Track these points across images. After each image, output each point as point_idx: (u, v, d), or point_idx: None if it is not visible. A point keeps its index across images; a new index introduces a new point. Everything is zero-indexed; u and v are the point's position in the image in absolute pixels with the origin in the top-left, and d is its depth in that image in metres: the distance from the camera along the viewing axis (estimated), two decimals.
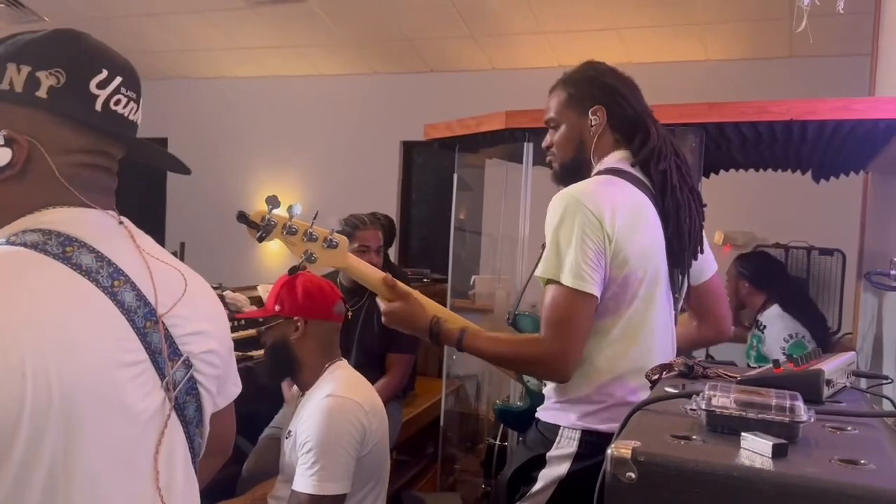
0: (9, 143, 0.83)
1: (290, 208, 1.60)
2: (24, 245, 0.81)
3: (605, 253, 1.49)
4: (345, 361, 2.05)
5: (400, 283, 1.73)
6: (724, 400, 0.84)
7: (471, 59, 5.89)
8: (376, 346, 3.01)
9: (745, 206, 4.82)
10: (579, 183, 1.58)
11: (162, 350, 0.87)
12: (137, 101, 0.93)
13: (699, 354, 3.26)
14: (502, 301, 4.12)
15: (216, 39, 6.13)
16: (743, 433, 0.79)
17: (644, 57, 5.33)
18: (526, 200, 2.73)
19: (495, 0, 5.00)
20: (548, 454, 1.58)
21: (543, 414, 1.64)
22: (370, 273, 1.75)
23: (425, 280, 5.22)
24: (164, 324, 0.88)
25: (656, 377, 1.14)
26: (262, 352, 2.09)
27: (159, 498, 0.86)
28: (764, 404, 0.83)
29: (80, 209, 0.87)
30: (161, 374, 0.87)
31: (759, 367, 1.14)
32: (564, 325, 1.46)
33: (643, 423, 0.86)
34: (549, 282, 1.50)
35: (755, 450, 0.76)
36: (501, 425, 3.26)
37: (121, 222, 0.93)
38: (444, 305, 3.83)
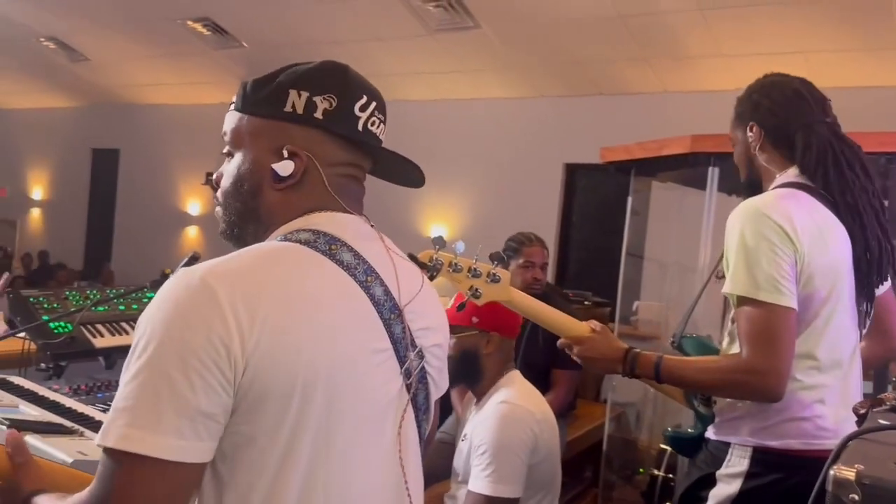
0: (291, 156, 0.97)
1: (454, 247, 1.69)
2: (299, 242, 0.92)
3: (797, 264, 1.44)
4: (517, 371, 2.12)
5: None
6: None
7: (642, 81, 5.84)
8: (541, 362, 3.05)
9: None
10: (761, 196, 1.54)
11: (403, 340, 0.97)
12: (385, 123, 1.06)
13: None
14: (671, 329, 4.03)
15: (394, 65, 6.48)
16: None
17: (831, 81, 5.03)
18: (708, 227, 2.69)
19: (672, 23, 4.95)
20: (717, 473, 1.54)
21: (713, 432, 1.61)
22: (541, 309, 1.77)
23: (586, 303, 5.20)
24: (404, 317, 0.98)
25: (864, 411, 1.11)
26: None
27: (401, 469, 0.97)
28: None
29: (342, 214, 1.00)
30: (401, 361, 0.97)
31: None
32: (768, 339, 1.41)
33: (860, 451, 0.86)
34: (742, 300, 1.45)
35: None
36: (665, 456, 3.19)
37: (372, 226, 1.04)
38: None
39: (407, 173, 1.10)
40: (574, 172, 6.60)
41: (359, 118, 1.00)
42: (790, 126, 1.61)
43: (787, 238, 1.44)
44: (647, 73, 5.71)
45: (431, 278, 1.71)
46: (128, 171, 9.56)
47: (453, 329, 2.08)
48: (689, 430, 1.92)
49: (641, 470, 3.70)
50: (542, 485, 1.96)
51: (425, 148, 7.22)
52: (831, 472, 0.75)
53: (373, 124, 1.02)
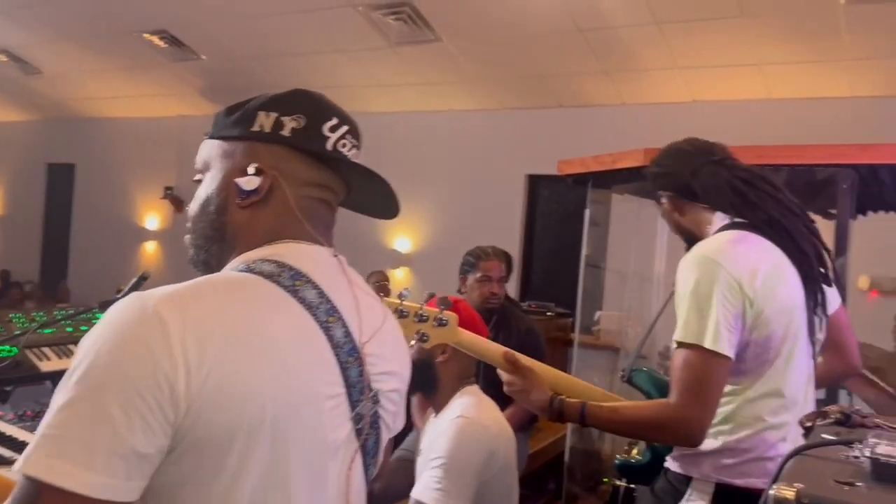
0: (258, 173, 0.96)
1: (400, 295, 1.70)
2: (262, 274, 0.89)
3: (744, 316, 1.47)
4: (476, 386, 2.12)
5: (522, 358, 1.74)
6: (889, 448, 0.83)
7: (601, 93, 5.90)
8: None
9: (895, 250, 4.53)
10: (711, 241, 1.58)
11: (358, 383, 0.94)
12: (359, 149, 1.05)
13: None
14: (630, 339, 4.06)
15: (355, 77, 6.45)
16: None
17: (785, 93, 5.16)
18: (663, 238, 2.72)
19: (629, 36, 5.01)
20: None
21: (673, 463, 1.62)
22: (487, 347, 1.80)
23: (549, 314, 5.22)
24: (364, 360, 0.95)
25: (809, 424, 1.12)
26: None
27: None
28: None
29: (310, 246, 0.98)
30: (353, 406, 0.94)
31: None
32: (700, 389, 1.43)
33: (802, 468, 0.86)
34: (682, 345, 1.47)
35: None
36: None
37: (336, 256, 1.02)
38: (568, 340, 3.80)
39: (381, 201, 1.08)
40: (536, 184, 6.64)
41: (328, 137, 0.99)
42: (684, 178, 1.67)
43: (739, 288, 1.47)
44: (605, 86, 5.78)
45: None
46: (84, 186, 9.36)
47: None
48: (638, 457, 1.92)
49: (606, 479, 3.71)
50: (499, 497, 1.96)
51: (387, 160, 7.14)
52: (771, 492, 0.75)
53: (343, 146, 1.01)
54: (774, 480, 0.80)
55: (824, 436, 1.00)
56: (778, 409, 1.52)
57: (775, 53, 4.79)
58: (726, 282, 1.46)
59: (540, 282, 6.60)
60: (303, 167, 0.98)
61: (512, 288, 6.34)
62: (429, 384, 2.06)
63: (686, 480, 1.56)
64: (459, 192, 6.69)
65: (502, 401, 2.99)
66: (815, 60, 4.79)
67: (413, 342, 1.73)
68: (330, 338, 0.91)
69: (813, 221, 1.64)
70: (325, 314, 0.92)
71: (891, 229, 3.58)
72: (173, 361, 0.76)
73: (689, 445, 1.50)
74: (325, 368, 0.90)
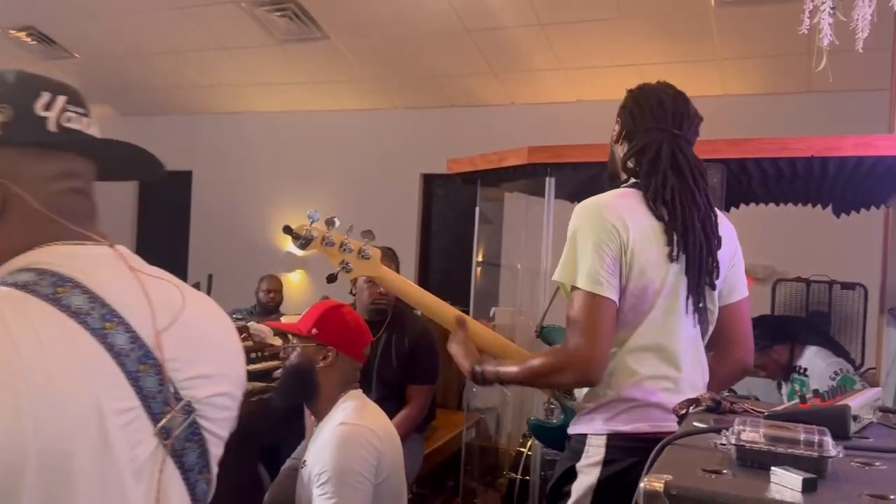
0: None
1: (328, 221, 1.74)
2: (15, 285, 0.79)
3: (622, 261, 1.54)
4: (359, 390, 2.07)
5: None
6: (753, 434, 0.86)
7: (491, 94, 5.98)
8: (395, 378, 3.03)
9: (766, 241, 4.81)
10: (603, 195, 1.65)
11: (158, 394, 0.83)
12: (87, 115, 0.92)
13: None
14: (524, 333, 4.12)
15: (242, 75, 6.27)
16: (773, 468, 0.80)
17: None
18: (548, 234, 2.76)
19: (516, 37, 5.09)
20: (577, 465, 1.60)
21: (573, 427, 1.67)
22: (409, 289, 1.88)
23: None
24: (164, 366, 0.84)
25: (683, 412, 1.15)
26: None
27: None
28: (792, 439, 0.85)
29: (75, 245, 0.86)
30: (155, 420, 0.83)
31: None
32: (587, 328, 1.50)
33: (673, 458, 0.88)
34: (571, 288, 1.55)
35: (785, 484, 0.77)
36: (522, 458, 3.24)
37: (111, 246, 0.91)
38: None
39: (142, 164, 0.96)
40: (431, 183, 6.65)
41: (45, 119, 0.86)
42: (635, 126, 1.71)
43: (617, 235, 1.53)
44: (495, 87, 5.85)
45: (303, 247, 1.80)
46: None
47: (286, 339, 2.06)
48: (554, 420, 1.96)
49: (506, 473, 3.75)
50: (388, 500, 1.92)
51: (279, 160, 7.07)
52: (642, 485, 0.76)
53: (69, 120, 0.88)
54: (646, 472, 0.81)
55: (696, 423, 1.03)
56: (656, 361, 1.57)
57: (651, 54, 4.99)
58: (605, 227, 1.54)
59: (437, 281, 6.62)
60: (33, 162, 0.86)
61: None
62: (308, 391, 1.99)
63: (583, 439, 1.61)
64: (354, 193, 6.62)
65: (397, 402, 2.99)
66: (689, 60, 5.02)
67: (338, 270, 1.81)
68: (109, 346, 0.80)
69: (716, 216, 1.69)
70: (99, 321, 0.80)
71: (759, 221, 3.80)
72: None
73: (587, 384, 1.58)
74: (105, 382, 0.79)
